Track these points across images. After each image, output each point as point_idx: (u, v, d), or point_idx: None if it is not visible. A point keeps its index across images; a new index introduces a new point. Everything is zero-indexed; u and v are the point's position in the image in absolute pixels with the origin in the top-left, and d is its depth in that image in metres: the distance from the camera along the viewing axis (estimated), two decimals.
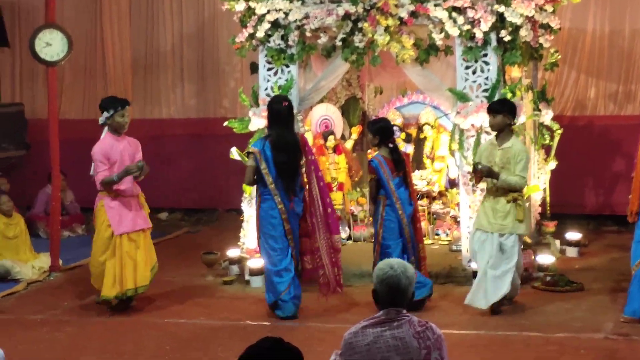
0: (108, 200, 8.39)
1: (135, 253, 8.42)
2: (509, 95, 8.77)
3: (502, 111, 7.88)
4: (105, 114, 8.40)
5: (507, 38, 8.83)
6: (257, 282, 9.20)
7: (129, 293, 8.39)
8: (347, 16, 9.04)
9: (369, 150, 11.09)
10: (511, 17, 8.73)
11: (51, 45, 10.12)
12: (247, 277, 9.37)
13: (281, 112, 8.22)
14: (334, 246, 8.21)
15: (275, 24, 9.37)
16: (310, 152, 8.38)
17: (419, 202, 10.53)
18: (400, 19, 8.92)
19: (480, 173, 7.87)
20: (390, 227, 8.29)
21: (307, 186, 8.29)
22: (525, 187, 8.09)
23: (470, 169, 8.23)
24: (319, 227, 8.19)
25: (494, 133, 8.07)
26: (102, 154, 8.30)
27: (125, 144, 8.47)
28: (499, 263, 7.87)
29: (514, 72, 9.71)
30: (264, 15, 9.34)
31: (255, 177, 8.17)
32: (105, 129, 8.50)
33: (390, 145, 8.43)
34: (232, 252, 9.78)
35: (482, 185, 8.36)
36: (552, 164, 10.58)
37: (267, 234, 8.17)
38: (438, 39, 8.94)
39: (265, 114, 9.28)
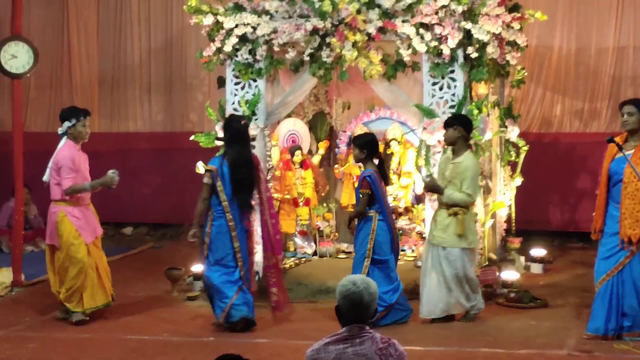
0: (70, 209, 8.41)
1: (101, 261, 8.54)
2: (475, 112, 8.81)
3: (454, 124, 8.00)
4: (67, 124, 8.43)
5: (474, 55, 8.87)
6: None
7: (102, 304, 8.52)
8: (315, 31, 9.04)
9: (336, 166, 11.11)
10: (478, 34, 8.77)
11: (17, 57, 10.03)
12: None
13: (240, 130, 8.35)
14: (277, 266, 8.45)
15: (243, 38, 9.36)
16: (263, 172, 8.62)
17: None
18: (368, 34, 8.93)
19: (427, 187, 8.09)
20: (383, 242, 8.31)
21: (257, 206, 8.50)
22: (471, 204, 8.15)
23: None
24: (266, 247, 8.46)
25: (450, 147, 8.19)
26: (70, 161, 8.36)
27: (83, 154, 8.59)
28: (440, 274, 8.00)
29: (481, 88, 9.75)
30: (232, 30, 9.33)
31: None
32: (65, 138, 8.51)
33: (377, 159, 8.46)
34: (197, 268, 9.69)
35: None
36: (518, 180, 10.62)
37: (216, 252, 8.23)
38: (405, 55, 8.96)
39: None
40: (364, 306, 4.43)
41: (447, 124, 8.09)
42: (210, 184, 8.23)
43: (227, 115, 9.44)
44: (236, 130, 8.32)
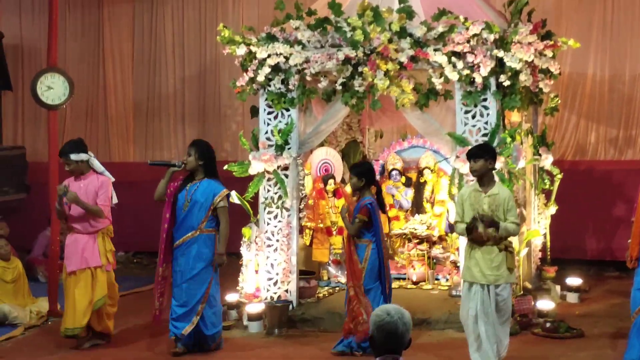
0: (68, 236, 8.75)
1: (74, 292, 8.60)
2: (508, 140, 8.77)
3: (484, 156, 7.56)
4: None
5: (507, 83, 8.85)
6: (256, 328, 9.15)
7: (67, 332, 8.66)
8: (347, 60, 9.08)
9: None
10: (510, 62, 8.76)
11: (52, 88, 10.18)
12: (245, 322, 9.30)
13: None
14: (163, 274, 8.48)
15: (275, 68, 9.41)
16: None
17: (419, 247, 10.52)
18: (400, 63, 8.95)
19: (485, 223, 7.42)
20: (374, 270, 8.27)
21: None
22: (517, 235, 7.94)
23: (456, 221, 7.80)
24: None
25: (474, 179, 7.78)
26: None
27: (85, 185, 8.70)
28: (497, 316, 7.59)
29: (514, 116, 9.73)
30: (264, 60, 9.39)
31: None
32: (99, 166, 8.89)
33: (374, 188, 8.44)
34: (231, 297, 9.72)
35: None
36: (553, 208, 10.56)
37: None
38: (438, 83, 8.96)
39: (265, 157, 9.33)
40: (398, 336, 4.41)
41: (477, 156, 7.59)
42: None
43: (259, 144, 9.49)
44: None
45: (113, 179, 8.90)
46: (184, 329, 8.26)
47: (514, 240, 9.05)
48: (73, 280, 8.60)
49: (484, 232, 7.40)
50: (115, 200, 8.86)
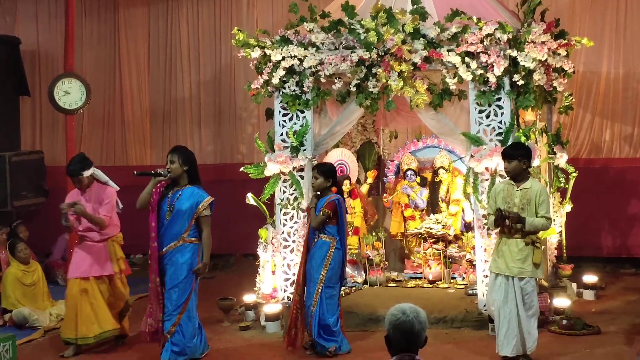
0: (76, 244, 8.86)
1: (81, 300, 8.61)
2: (523, 139, 8.79)
3: (517, 156, 7.70)
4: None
5: (521, 82, 8.87)
6: (273, 328, 9.22)
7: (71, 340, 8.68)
8: (361, 62, 9.13)
9: (385, 194, 11.16)
10: (524, 61, 8.79)
11: (70, 93, 10.31)
12: (263, 323, 9.37)
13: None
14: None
15: (290, 71, 9.48)
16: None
17: (435, 246, 10.56)
18: (414, 64, 8.99)
19: (510, 220, 7.56)
20: (334, 270, 8.39)
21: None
22: (550, 227, 7.92)
23: (489, 214, 7.96)
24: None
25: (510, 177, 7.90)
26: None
27: (90, 197, 8.80)
28: (524, 309, 7.69)
29: (528, 115, 9.75)
30: (279, 62, 9.45)
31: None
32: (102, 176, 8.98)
33: (336, 188, 8.54)
34: (248, 298, 9.80)
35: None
36: (568, 206, 10.57)
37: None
38: (451, 83, 9.01)
39: (280, 159, 9.39)
40: (414, 335, 4.44)
41: (510, 156, 7.73)
42: None
43: (275, 146, 9.55)
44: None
45: (118, 188, 8.98)
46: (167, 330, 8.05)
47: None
48: (84, 287, 8.62)
49: (510, 227, 7.58)
50: (120, 205, 8.96)
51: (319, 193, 8.48)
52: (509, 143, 8.65)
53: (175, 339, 7.95)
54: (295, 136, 9.50)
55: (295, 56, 9.38)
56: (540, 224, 7.60)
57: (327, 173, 8.46)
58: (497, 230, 7.89)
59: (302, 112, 9.60)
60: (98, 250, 8.71)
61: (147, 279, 8.20)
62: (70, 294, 8.69)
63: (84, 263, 8.65)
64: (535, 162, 9.26)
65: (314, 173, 8.51)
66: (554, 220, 10.42)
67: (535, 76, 8.94)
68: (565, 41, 9.29)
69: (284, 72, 9.46)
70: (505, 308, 7.69)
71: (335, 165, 10.75)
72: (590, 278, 10.41)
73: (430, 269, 10.53)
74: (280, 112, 9.70)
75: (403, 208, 11.03)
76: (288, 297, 9.52)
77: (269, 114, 10.01)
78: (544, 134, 10.21)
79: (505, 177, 8.09)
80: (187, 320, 8.01)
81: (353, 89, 9.24)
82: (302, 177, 9.55)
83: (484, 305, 8.89)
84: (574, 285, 10.41)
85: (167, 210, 8.05)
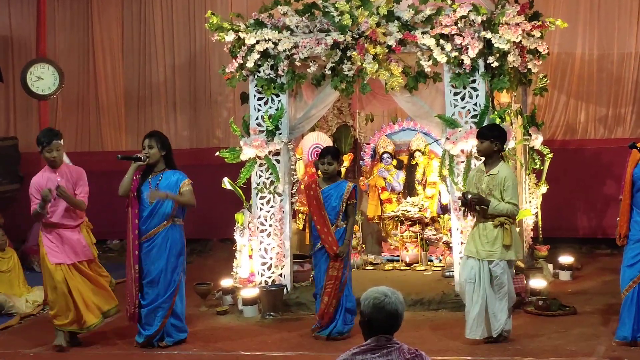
0: (46, 231, 8.32)
1: (76, 288, 8.31)
2: (498, 121, 8.81)
3: (490, 137, 7.73)
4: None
5: (495, 64, 8.88)
6: (250, 312, 9.22)
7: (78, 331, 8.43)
8: (336, 45, 9.11)
9: (361, 178, 11.16)
10: (498, 43, 8.79)
11: (42, 79, 10.25)
12: (240, 307, 9.37)
13: None
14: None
15: (264, 54, 9.43)
16: None
17: (412, 229, 10.59)
18: (389, 47, 8.98)
19: (471, 202, 7.68)
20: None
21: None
22: (517, 213, 7.94)
23: (460, 195, 8.05)
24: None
25: (482, 159, 8.00)
26: (34, 188, 8.23)
27: (64, 175, 8.30)
28: (492, 292, 7.74)
29: (503, 97, 9.78)
30: (253, 46, 9.41)
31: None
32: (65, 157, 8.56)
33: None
34: (226, 282, 9.79)
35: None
36: (543, 188, 10.62)
37: None
38: (426, 66, 9.00)
39: (256, 143, 9.36)
40: (397, 316, 4.46)
41: (483, 136, 7.77)
42: None
43: (250, 130, 9.51)
44: None
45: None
46: (153, 332, 8.17)
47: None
48: (75, 273, 8.35)
49: (473, 209, 7.70)
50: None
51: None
52: (484, 125, 8.66)
53: (172, 321, 8.19)
54: (270, 120, 9.47)
55: (269, 39, 9.34)
56: (506, 209, 7.63)
57: (338, 156, 8.44)
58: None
59: (277, 95, 9.57)
60: (77, 235, 8.42)
61: (124, 265, 8.18)
62: (58, 281, 8.26)
63: (67, 249, 8.32)
64: (511, 144, 9.30)
65: (327, 159, 8.35)
66: (530, 202, 10.48)
67: (510, 58, 8.95)
68: (540, 23, 9.31)
69: (258, 56, 9.42)
70: (478, 292, 7.73)
71: (311, 149, 10.79)
72: (566, 259, 10.47)
73: (407, 251, 10.56)
74: (255, 96, 9.67)
75: (380, 191, 11.05)
76: (265, 281, 9.52)
77: (244, 98, 9.97)
78: (519, 116, 10.24)
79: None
80: (179, 302, 8.22)
81: (328, 72, 9.22)
82: (278, 161, 9.53)
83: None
84: (550, 266, 10.48)
85: None
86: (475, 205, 7.69)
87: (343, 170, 11.16)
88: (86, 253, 8.44)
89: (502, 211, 7.62)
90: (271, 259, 9.56)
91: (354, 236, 10.62)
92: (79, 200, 8.31)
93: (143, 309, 8.18)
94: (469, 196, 7.67)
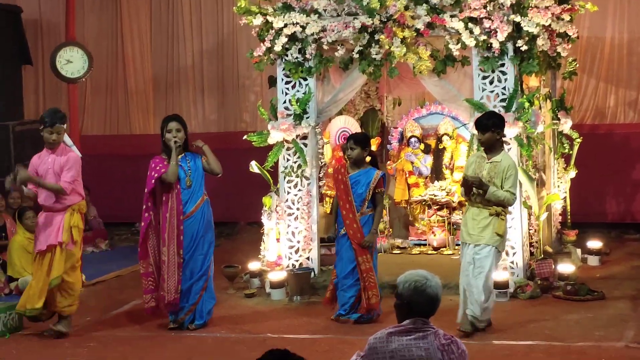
0: (40, 214, 8.26)
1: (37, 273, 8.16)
2: (527, 105, 8.76)
3: (491, 127, 7.58)
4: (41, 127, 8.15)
5: (524, 48, 8.83)
6: (278, 295, 9.25)
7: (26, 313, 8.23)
8: (363, 28, 9.08)
9: (388, 162, 11.15)
10: (527, 26, 8.74)
11: (72, 62, 10.30)
12: (268, 290, 9.40)
13: None
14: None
15: (292, 38, 9.43)
16: None
17: (439, 213, 10.57)
18: (417, 30, 8.94)
19: (470, 184, 7.57)
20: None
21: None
22: (514, 203, 7.80)
23: (461, 181, 7.96)
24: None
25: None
26: (30, 168, 8.16)
27: (55, 159, 8.10)
28: (473, 273, 7.62)
29: (532, 81, 9.71)
30: (281, 29, 9.40)
31: None
32: (68, 140, 8.51)
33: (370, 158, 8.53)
34: (253, 265, 9.82)
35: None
36: (572, 172, 10.57)
37: None
38: (455, 49, 8.96)
39: (284, 127, 9.37)
40: (437, 300, 4.47)
41: (485, 128, 7.61)
42: None
43: (278, 114, 9.52)
44: None
45: (81, 155, 8.48)
46: (189, 307, 8.23)
47: (534, 205, 9.11)
48: (38, 260, 8.16)
49: (473, 192, 7.61)
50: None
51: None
52: (511, 108, 8.62)
53: (205, 299, 8.29)
54: (298, 104, 9.48)
55: (297, 23, 9.33)
56: (503, 197, 7.52)
57: (364, 143, 8.32)
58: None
59: (305, 79, 9.57)
60: (54, 220, 8.08)
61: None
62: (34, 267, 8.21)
63: (43, 235, 8.10)
64: (540, 128, 9.25)
65: (350, 144, 8.27)
66: (559, 186, 10.43)
67: (539, 41, 8.89)
68: (569, 6, 9.25)
69: (286, 40, 9.42)
70: (463, 275, 7.71)
71: (338, 132, 10.79)
72: (594, 244, 10.42)
73: (434, 235, 10.55)
74: (282, 79, 9.67)
75: (407, 175, 11.03)
76: (293, 264, 9.55)
77: (272, 81, 9.97)
78: (548, 100, 10.18)
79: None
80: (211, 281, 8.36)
81: (356, 56, 9.20)
82: (305, 145, 9.54)
83: None
84: (579, 251, 10.42)
85: (185, 177, 8.18)
86: (473, 188, 7.61)
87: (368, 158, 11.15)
88: (54, 237, 8.05)
89: (499, 197, 7.49)
90: (298, 242, 9.59)
91: (381, 220, 10.64)
92: (54, 185, 8.00)
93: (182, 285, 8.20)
94: (469, 178, 7.57)
